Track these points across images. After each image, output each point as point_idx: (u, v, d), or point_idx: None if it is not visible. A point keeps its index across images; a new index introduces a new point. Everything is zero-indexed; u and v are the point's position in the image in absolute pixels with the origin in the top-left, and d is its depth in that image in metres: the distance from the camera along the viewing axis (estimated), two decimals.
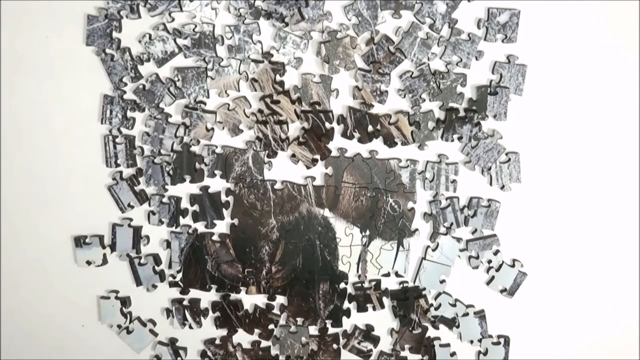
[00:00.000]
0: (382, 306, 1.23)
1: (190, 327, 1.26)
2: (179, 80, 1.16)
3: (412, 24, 1.13)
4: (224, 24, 1.15)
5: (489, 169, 1.17)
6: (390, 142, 1.17)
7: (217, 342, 1.27)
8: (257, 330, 1.26)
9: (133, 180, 1.20)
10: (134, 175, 1.21)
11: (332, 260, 1.22)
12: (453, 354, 1.24)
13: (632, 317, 1.23)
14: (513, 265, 1.21)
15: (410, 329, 1.24)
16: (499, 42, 1.13)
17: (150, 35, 1.15)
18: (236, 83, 1.17)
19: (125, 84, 1.17)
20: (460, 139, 1.16)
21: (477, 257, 1.20)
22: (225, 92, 1.17)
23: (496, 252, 1.20)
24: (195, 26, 1.14)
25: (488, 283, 1.22)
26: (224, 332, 1.26)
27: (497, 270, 1.21)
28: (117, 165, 1.20)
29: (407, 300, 1.23)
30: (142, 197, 1.21)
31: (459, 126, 1.16)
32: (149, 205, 1.21)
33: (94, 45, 1.16)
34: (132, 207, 1.21)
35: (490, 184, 1.18)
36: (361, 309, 1.23)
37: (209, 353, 1.27)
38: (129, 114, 1.18)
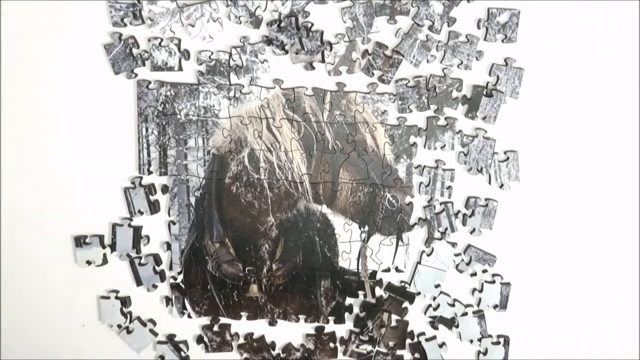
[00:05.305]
0: (373, 295, 1.23)
1: (189, 316, 1.26)
2: (172, 95, 1.17)
3: (412, 25, 1.13)
4: (230, 44, 1.15)
5: (489, 166, 1.17)
6: (362, 148, 1.17)
7: (215, 328, 1.27)
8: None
9: (151, 189, 1.21)
10: (152, 185, 1.21)
11: (332, 256, 1.22)
12: (442, 344, 1.24)
13: (632, 317, 1.23)
14: (493, 282, 1.21)
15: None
16: (498, 42, 1.13)
17: (161, 41, 1.15)
18: (258, 110, 1.17)
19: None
20: (443, 147, 1.17)
21: (468, 264, 1.20)
22: (248, 118, 1.17)
23: (484, 271, 1.20)
24: (212, 53, 1.15)
25: (478, 304, 1.22)
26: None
27: (480, 291, 1.21)
28: (150, 172, 1.20)
29: (375, 307, 1.23)
30: (155, 207, 1.22)
31: (441, 134, 1.16)
32: (169, 215, 1.22)
33: (122, 71, 1.16)
34: (142, 213, 1.22)
35: (490, 182, 1.18)
36: (352, 294, 1.23)
37: (205, 339, 1.27)
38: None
